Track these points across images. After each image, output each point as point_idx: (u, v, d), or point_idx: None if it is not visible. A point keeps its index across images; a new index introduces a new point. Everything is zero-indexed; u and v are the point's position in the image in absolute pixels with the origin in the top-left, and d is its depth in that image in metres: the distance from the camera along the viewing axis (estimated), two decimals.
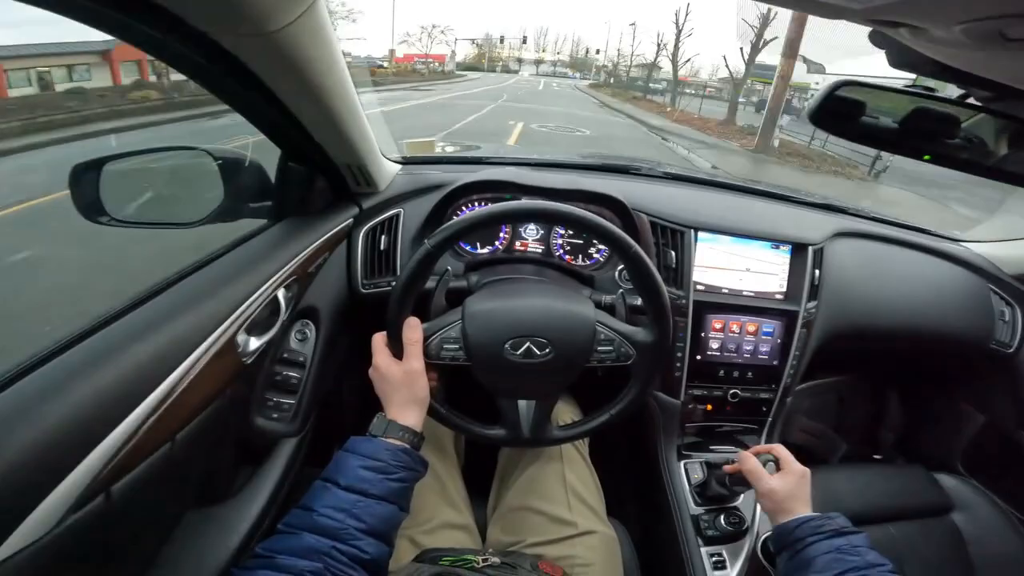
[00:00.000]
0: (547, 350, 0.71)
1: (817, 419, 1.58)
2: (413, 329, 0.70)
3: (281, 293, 0.77)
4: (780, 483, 0.75)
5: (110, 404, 0.53)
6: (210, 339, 0.64)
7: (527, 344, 0.71)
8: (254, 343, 0.73)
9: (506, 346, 0.71)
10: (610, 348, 0.74)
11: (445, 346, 0.71)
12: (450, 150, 1.37)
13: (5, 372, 0.50)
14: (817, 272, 1.05)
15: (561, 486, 0.85)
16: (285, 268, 0.77)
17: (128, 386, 0.55)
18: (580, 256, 1.04)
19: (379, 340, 0.71)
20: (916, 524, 1.07)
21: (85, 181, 0.72)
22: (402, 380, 0.68)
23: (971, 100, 0.53)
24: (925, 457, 1.42)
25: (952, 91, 0.53)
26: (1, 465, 0.43)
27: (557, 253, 1.04)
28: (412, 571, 0.56)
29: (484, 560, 0.68)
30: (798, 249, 1.05)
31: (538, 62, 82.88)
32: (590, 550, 0.79)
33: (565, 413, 0.96)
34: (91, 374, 0.52)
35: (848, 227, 1.19)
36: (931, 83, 0.53)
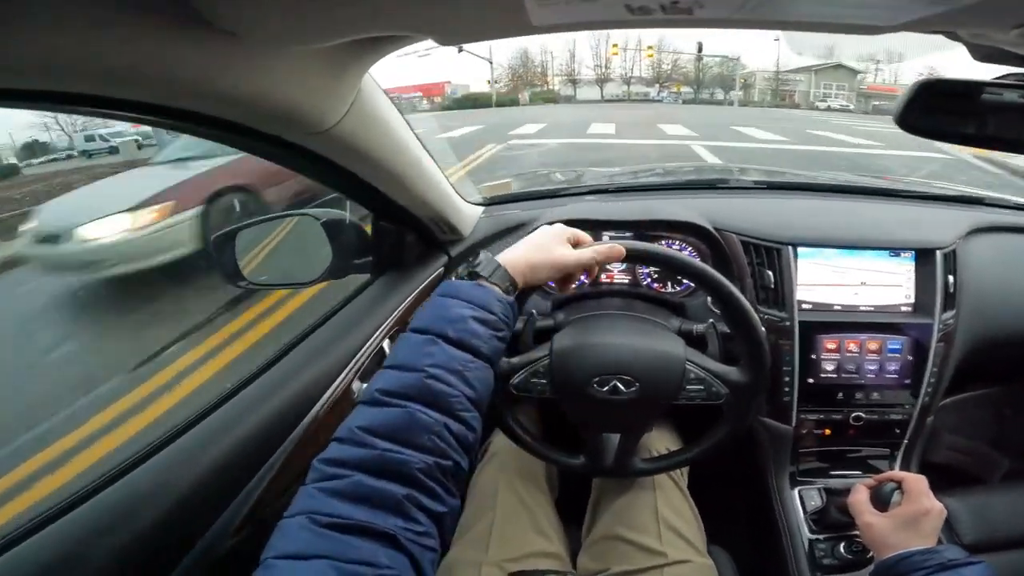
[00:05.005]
0: (633, 387, 0.71)
1: (968, 435, 1.34)
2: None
3: (386, 344, 0.83)
4: (879, 519, 0.69)
5: (259, 445, 0.64)
6: (331, 388, 0.72)
7: (613, 381, 0.71)
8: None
9: (592, 382, 0.71)
10: (700, 387, 0.72)
11: (532, 380, 0.73)
12: (528, 184, 1.40)
13: (184, 417, 0.63)
14: (951, 278, 0.92)
15: (652, 516, 0.83)
16: (387, 321, 0.83)
17: (271, 432, 0.65)
18: (669, 284, 1.01)
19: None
20: None
21: (225, 249, 0.82)
22: (552, 247, 0.61)
23: None
24: None
25: None
26: (190, 484, 0.57)
27: (644, 283, 1.02)
28: None
29: None
30: (924, 255, 0.93)
31: (601, 81, 52.85)
32: None
33: (660, 441, 0.93)
34: (245, 419, 0.64)
35: (986, 221, 1.04)
36: None
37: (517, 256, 0.60)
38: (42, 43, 0.31)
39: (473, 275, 0.56)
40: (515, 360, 0.73)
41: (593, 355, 0.72)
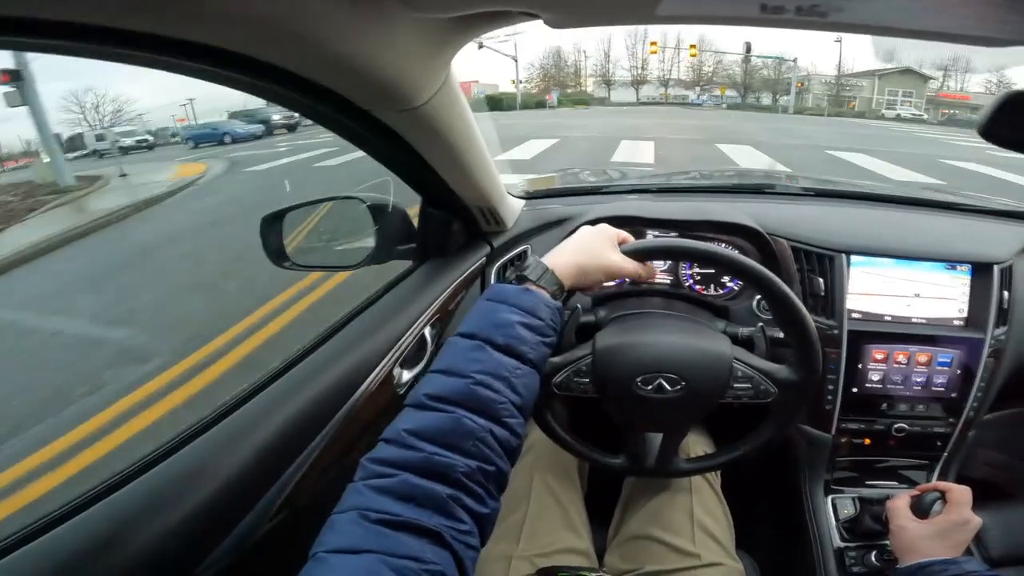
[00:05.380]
0: (679, 386, 0.70)
1: (1004, 451, 1.31)
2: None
3: (427, 331, 0.85)
4: (914, 524, 0.70)
5: (300, 429, 0.63)
6: (374, 373, 0.73)
7: (658, 380, 0.70)
8: (406, 375, 0.81)
9: (637, 381, 0.70)
10: (748, 386, 0.71)
11: (575, 379, 0.73)
12: (570, 180, 1.39)
13: (221, 404, 0.63)
14: (1006, 294, 0.91)
15: (687, 518, 0.82)
16: (430, 309, 0.84)
17: (313, 415, 0.65)
18: (712, 286, 1.00)
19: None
20: None
21: (271, 230, 0.83)
22: (602, 251, 0.61)
23: None
24: None
25: None
26: (232, 467, 0.56)
27: (687, 283, 1.01)
28: None
29: None
30: (980, 269, 0.91)
31: (637, 83, 50.03)
32: None
33: (695, 444, 0.92)
34: (288, 403, 0.63)
35: None
36: None
37: (565, 259, 0.59)
38: None
39: (521, 279, 0.56)
40: (557, 359, 0.73)
41: (637, 354, 0.72)
